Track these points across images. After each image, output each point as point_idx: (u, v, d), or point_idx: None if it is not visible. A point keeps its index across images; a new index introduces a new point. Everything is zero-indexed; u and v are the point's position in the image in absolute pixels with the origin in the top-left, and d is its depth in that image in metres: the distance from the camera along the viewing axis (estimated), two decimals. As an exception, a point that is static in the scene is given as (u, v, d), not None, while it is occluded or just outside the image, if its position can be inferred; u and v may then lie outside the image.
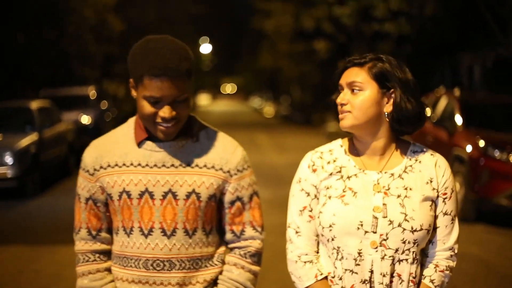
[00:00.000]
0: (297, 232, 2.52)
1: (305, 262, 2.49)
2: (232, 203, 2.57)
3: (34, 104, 14.20)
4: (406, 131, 2.47)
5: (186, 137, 2.53)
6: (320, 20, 25.71)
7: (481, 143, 9.78)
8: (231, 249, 2.63)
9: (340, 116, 2.43)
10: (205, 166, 2.51)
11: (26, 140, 12.51)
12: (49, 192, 12.84)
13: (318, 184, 2.49)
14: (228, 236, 2.61)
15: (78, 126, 17.28)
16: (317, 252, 2.52)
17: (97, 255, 2.58)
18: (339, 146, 2.54)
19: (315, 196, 2.50)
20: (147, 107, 2.39)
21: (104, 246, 2.59)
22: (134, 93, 2.46)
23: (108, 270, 2.58)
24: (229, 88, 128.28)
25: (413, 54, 25.40)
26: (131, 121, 2.60)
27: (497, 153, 9.57)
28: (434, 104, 12.26)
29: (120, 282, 2.54)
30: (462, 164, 9.96)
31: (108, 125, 19.61)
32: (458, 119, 10.89)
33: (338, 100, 2.43)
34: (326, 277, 2.48)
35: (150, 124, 2.44)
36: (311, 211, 2.50)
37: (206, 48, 70.00)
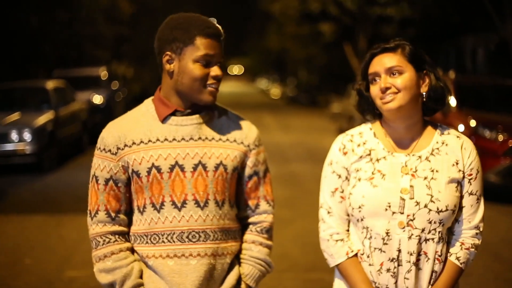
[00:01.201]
0: (329, 212, 2.60)
1: (336, 241, 2.58)
2: (250, 177, 2.65)
3: (50, 84, 14.87)
4: (438, 109, 2.57)
5: (208, 111, 2.61)
6: (325, 2, 25.94)
7: (472, 123, 10.40)
8: (246, 224, 2.70)
9: (387, 99, 2.46)
10: (228, 140, 2.59)
11: (43, 118, 13.18)
12: (65, 167, 13.55)
13: (348, 167, 2.57)
14: (244, 210, 2.69)
15: (91, 106, 17.88)
16: (348, 231, 2.61)
17: (117, 235, 2.56)
18: (368, 129, 2.62)
19: (346, 177, 2.58)
20: (198, 69, 2.47)
21: (122, 228, 2.58)
22: (170, 66, 2.52)
23: (130, 250, 2.57)
24: (236, 69, 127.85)
25: (417, 37, 25.62)
26: (148, 101, 2.64)
27: (486, 132, 10.18)
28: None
29: (151, 260, 2.53)
30: (455, 143, 10.55)
31: (118, 105, 20.21)
32: (452, 101, 11.49)
33: (382, 85, 2.46)
34: (356, 254, 2.56)
35: (199, 88, 2.50)
36: (342, 192, 2.58)
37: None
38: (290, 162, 14.34)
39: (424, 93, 2.51)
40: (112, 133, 2.56)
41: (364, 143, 2.57)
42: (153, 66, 36.52)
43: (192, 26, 2.47)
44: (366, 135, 2.60)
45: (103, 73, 20.18)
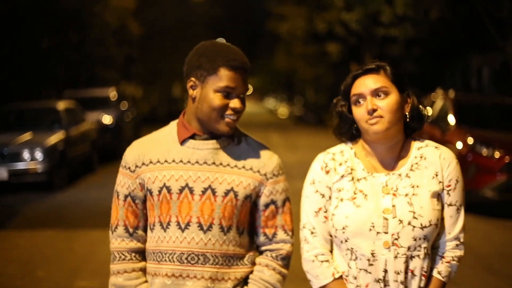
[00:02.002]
0: (312, 233, 2.58)
1: (322, 262, 2.55)
2: (267, 206, 2.64)
3: (61, 105, 15.30)
4: (418, 129, 2.59)
5: (227, 138, 2.62)
6: (331, 23, 26.26)
7: (470, 140, 10.69)
8: (262, 251, 2.69)
9: (372, 121, 2.45)
10: (243, 167, 2.59)
11: (54, 138, 13.57)
12: (75, 185, 13.92)
13: (331, 186, 2.55)
14: (261, 238, 2.67)
15: (100, 126, 18.24)
16: (331, 252, 2.59)
17: (133, 254, 2.63)
18: (349, 148, 2.61)
19: (329, 197, 2.56)
20: (218, 99, 2.50)
21: (139, 245, 2.64)
22: (193, 91, 2.57)
23: (143, 270, 2.63)
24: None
25: (423, 56, 25.93)
26: (173, 123, 2.69)
27: (483, 150, 10.46)
28: (431, 105, 13.18)
29: (155, 278, 2.59)
30: (453, 160, 10.87)
31: (127, 125, 20.59)
32: (451, 119, 11.80)
33: (370, 107, 2.45)
34: (341, 276, 2.54)
35: (216, 118, 2.53)
36: (326, 212, 2.56)
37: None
38: (295, 179, 14.53)
39: (407, 114, 2.52)
40: (133, 151, 2.65)
41: (345, 161, 2.56)
42: (161, 86, 36.95)
43: (218, 56, 2.50)
44: (347, 154, 2.59)
45: (112, 94, 20.55)
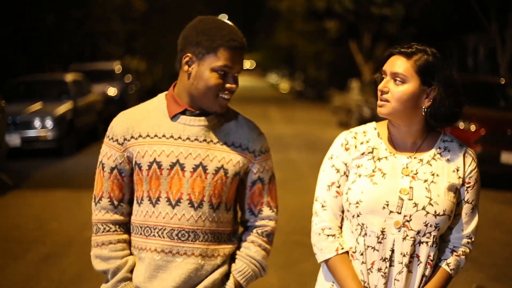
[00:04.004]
0: (323, 206, 2.58)
1: (328, 236, 2.55)
2: (254, 183, 2.65)
3: (69, 77, 16.21)
4: (440, 127, 2.54)
5: (216, 115, 2.60)
6: (330, 0, 26.70)
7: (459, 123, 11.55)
8: (248, 227, 2.70)
9: (379, 103, 2.48)
10: (233, 144, 2.59)
11: (63, 108, 14.49)
12: (82, 153, 14.89)
13: (349, 162, 2.55)
14: (246, 215, 2.69)
15: (106, 97, 19.17)
16: (340, 228, 2.59)
17: (117, 225, 2.60)
18: (373, 128, 2.60)
19: (345, 173, 2.56)
20: (214, 79, 2.49)
21: (123, 218, 2.61)
22: (188, 68, 2.53)
23: (127, 242, 2.61)
24: (248, 64, 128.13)
25: (419, 35, 26.42)
26: (161, 96, 2.65)
27: (460, 123, 11.37)
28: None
29: (143, 252, 2.57)
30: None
31: (132, 97, 21.50)
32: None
33: (380, 87, 2.47)
34: (347, 252, 2.54)
35: (211, 97, 2.52)
36: (339, 187, 2.56)
37: (225, 25, 70.74)
38: (289, 150, 15.56)
39: (424, 108, 2.47)
40: (121, 123, 2.60)
41: (367, 141, 2.56)
42: (164, 61, 37.60)
43: (218, 35, 2.48)
44: (370, 134, 2.58)
45: (117, 67, 21.39)
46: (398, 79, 2.43)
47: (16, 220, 8.72)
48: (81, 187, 10.61)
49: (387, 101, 2.45)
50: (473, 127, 11.29)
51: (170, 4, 33.96)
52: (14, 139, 13.36)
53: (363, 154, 2.53)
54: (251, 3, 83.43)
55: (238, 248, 2.67)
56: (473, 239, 2.57)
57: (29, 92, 15.68)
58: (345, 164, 2.55)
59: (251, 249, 2.65)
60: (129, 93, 21.50)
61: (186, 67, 2.52)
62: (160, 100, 2.63)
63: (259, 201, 2.67)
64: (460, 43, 26.26)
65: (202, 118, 2.56)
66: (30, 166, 12.95)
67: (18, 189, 10.69)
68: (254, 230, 2.68)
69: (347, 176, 2.55)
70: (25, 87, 16.02)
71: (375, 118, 2.71)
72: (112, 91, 19.93)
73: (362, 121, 16.41)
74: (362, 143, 2.55)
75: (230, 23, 2.59)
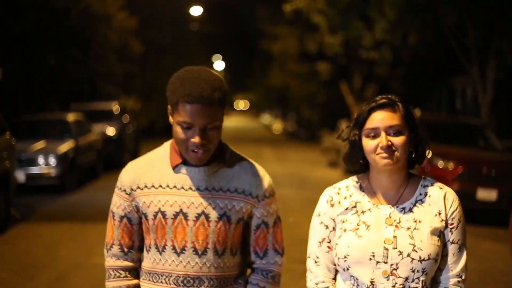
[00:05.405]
0: (316, 262, 2.65)
1: None
2: (258, 226, 2.69)
3: (71, 117, 16.98)
4: (419, 163, 2.67)
5: (219, 162, 2.63)
6: (321, 44, 27.44)
7: (428, 154, 12.32)
8: (254, 269, 2.74)
9: (383, 155, 2.51)
10: (235, 190, 2.62)
11: (65, 146, 15.21)
12: (83, 189, 15.62)
13: (335, 218, 2.61)
14: (253, 257, 2.73)
15: (105, 137, 19.80)
16: (334, 279, 2.65)
17: (128, 271, 2.69)
18: (355, 182, 2.67)
19: (333, 228, 2.62)
20: (180, 133, 2.51)
21: (133, 264, 2.71)
22: (171, 119, 2.58)
23: (136, 287, 2.71)
24: (241, 104, 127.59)
25: (409, 77, 26.96)
26: (166, 145, 2.72)
27: (439, 162, 12.15)
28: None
29: None
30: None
31: (129, 136, 22.15)
32: (415, 135, 13.47)
33: (384, 143, 2.50)
34: None
35: (183, 149, 2.55)
36: (329, 242, 2.62)
37: (219, 65, 71.12)
38: (281, 187, 16.23)
39: (412, 150, 2.59)
40: (129, 174, 2.69)
41: (350, 196, 2.63)
42: (159, 101, 38.15)
43: (177, 91, 2.50)
44: (352, 189, 2.65)
45: (116, 107, 22.04)
46: (393, 131, 2.52)
47: (27, 247, 9.46)
48: (85, 220, 11.36)
49: (393, 152, 2.51)
50: (451, 166, 12.04)
51: (166, 46, 34.79)
52: (19, 176, 13.97)
53: (347, 209, 2.60)
54: (248, 44, 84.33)
55: None
56: (463, 277, 2.60)
57: (32, 131, 16.32)
58: (333, 220, 2.63)
59: None
60: (127, 132, 22.11)
61: (170, 118, 2.61)
62: (165, 150, 2.71)
63: (264, 243, 2.72)
64: (449, 85, 26.72)
65: (202, 168, 2.61)
66: (35, 201, 13.66)
67: (26, 222, 11.39)
68: (260, 272, 2.73)
69: (335, 231, 2.63)
70: (28, 126, 16.69)
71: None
72: (110, 130, 20.55)
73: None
74: (345, 197, 2.63)
75: (209, 73, 2.57)
